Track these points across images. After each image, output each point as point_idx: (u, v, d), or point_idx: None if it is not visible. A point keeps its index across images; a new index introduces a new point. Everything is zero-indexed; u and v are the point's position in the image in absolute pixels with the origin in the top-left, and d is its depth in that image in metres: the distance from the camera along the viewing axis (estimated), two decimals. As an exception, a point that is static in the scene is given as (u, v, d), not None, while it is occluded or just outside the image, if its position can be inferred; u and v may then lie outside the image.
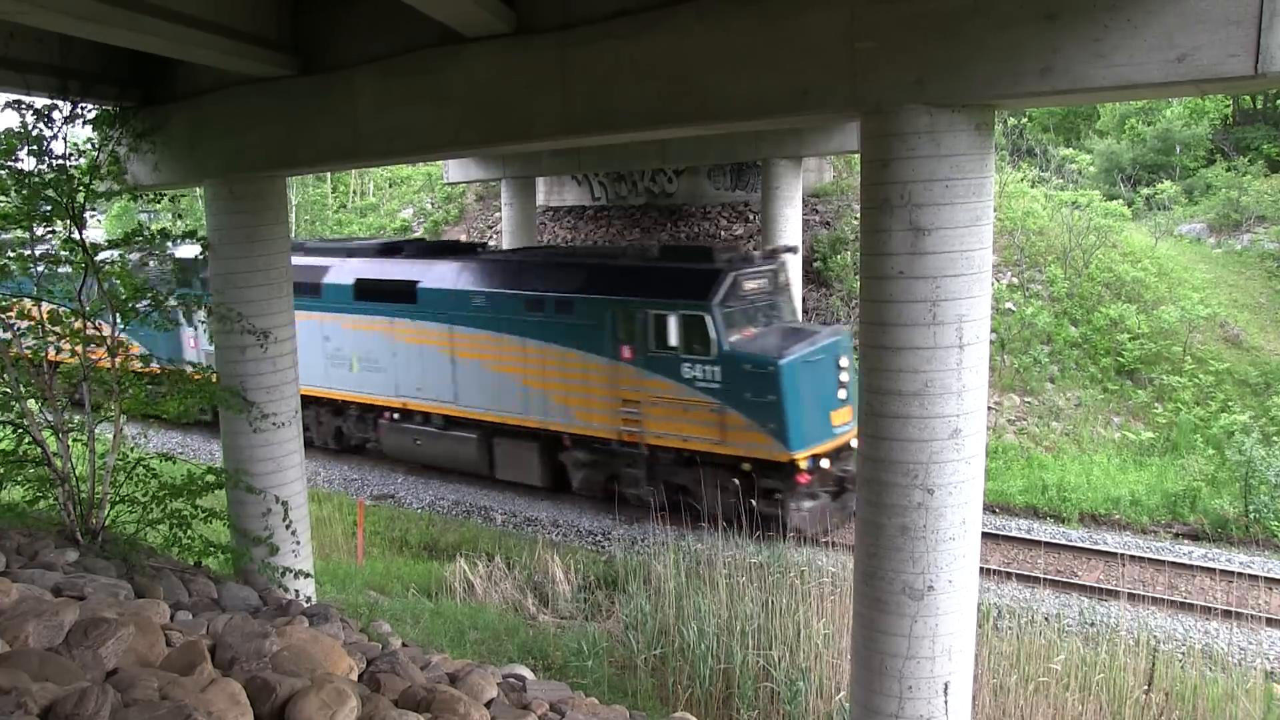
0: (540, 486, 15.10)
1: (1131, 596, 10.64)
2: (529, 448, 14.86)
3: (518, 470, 15.13)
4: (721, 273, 12.89)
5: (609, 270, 14.00)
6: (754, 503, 12.32)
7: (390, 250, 17.19)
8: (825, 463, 12.65)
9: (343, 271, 16.78)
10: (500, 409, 14.91)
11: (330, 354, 16.84)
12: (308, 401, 17.39)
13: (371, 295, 16.20)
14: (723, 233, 22.88)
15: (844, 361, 13.01)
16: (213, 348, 17.68)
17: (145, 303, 8.61)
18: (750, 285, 13.28)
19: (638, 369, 13.29)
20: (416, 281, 15.69)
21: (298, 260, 17.23)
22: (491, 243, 24.69)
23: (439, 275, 15.61)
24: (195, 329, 17.76)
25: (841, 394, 12.90)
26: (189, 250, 17.37)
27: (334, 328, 16.72)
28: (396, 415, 16.40)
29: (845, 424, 12.85)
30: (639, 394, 13.34)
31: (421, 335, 15.59)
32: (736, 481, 12.70)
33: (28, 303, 8.05)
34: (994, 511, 14.14)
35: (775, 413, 12.20)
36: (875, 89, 5.34)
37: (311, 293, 16.56)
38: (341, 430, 17.75)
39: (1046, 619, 9.74)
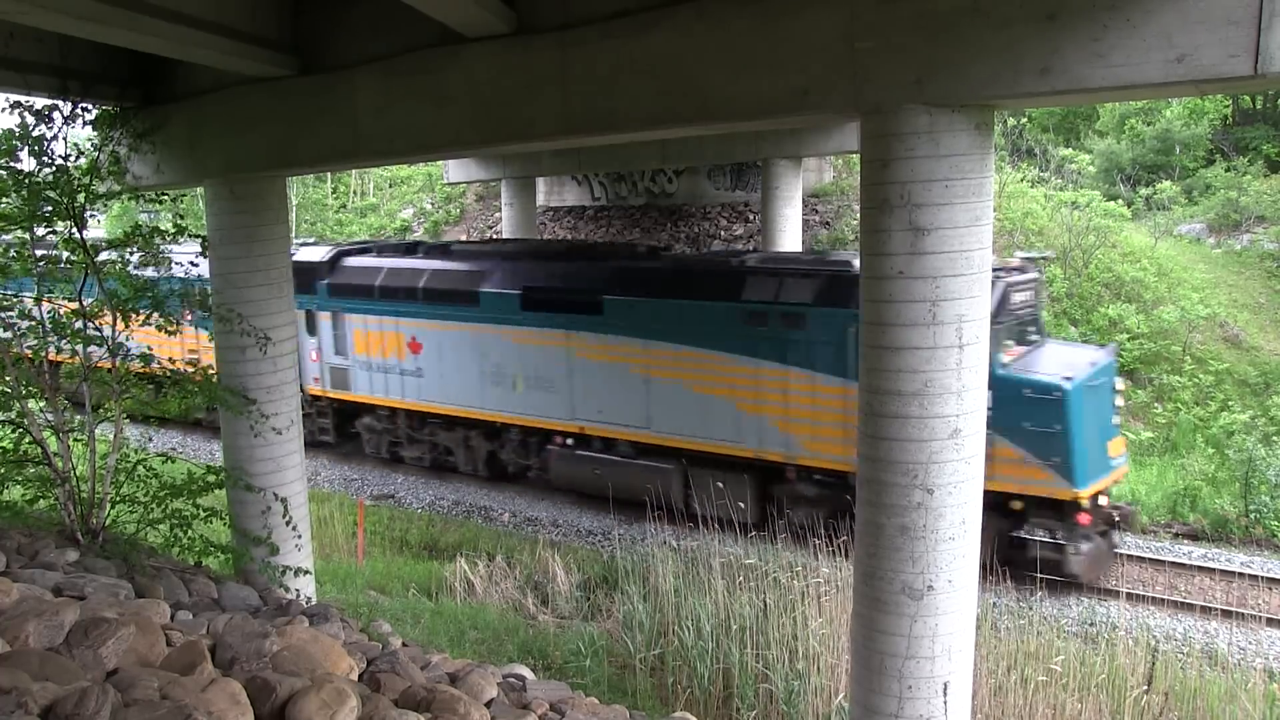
0: (749, 524, 12.73)
1: (1131, 596, 10.64)
2: (740, 480, 13.00)
3: (724, 504, 12.93)
4: (992, 282, 11.36)
5: (852, 278, 11.70)
6: (1033, 546, 11.04)
7: (558, 254, 15.54)
8: (1103, 500, 11.35)
9: (505, 278, 14.90)
10: (706, 435, 13.16)
11: (489, 371, 15.03)
12: (455, 423, 15.81)
13: (544, 305, 14.34)
14: (722, 233, 22.90)
15: (1119, 385, 11.85)
16: (338, 360, 16.33)
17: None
18: (1019, 297, 11.60)
19: None
20: (601, 291, 13.87)
21: (450, 266, 15.68)
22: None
23: (629, 284, 13.77)
24: (318, 339, 16.75)
25: (1115, 420, 11.65)
26: (311, 253, 16.94)
27: (495, 341, 14.86)
28: (570, 440, 14.56)
29: (1120, 455, 11.74)
30: None
31: (607, 351, 13.84)
32: (1002, 521, 11.19)
33: (28, 302, 8.05)
34: (994, 511, 14.12)
35: (1058, 445, 10.67)
36: (875, 89, 5.34)
37: (467, 302, 15.06)
38: (497, 456, 15.88)
39: (1046, 619, 9.75)
